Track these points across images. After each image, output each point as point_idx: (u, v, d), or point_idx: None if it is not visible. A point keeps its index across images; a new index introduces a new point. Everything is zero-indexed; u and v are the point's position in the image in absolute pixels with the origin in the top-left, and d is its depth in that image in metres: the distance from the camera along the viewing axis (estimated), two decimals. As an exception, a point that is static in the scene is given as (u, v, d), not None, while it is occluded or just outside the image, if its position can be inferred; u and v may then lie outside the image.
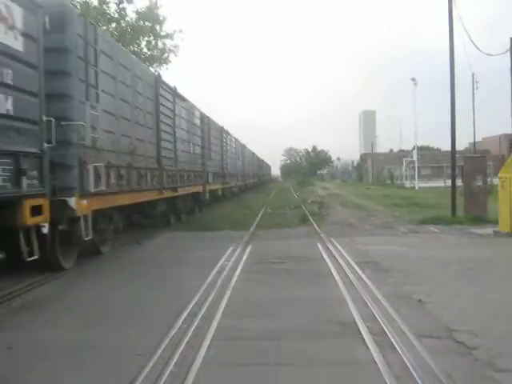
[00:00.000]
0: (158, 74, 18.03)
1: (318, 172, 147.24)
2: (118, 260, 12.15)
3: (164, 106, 17.23)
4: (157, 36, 35.65)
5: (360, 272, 9.75)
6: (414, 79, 52.89)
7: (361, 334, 6.10)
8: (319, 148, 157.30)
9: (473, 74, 47.55)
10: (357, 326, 6.41)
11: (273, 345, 5.83)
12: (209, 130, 27.28)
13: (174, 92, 18.76)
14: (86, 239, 10.09)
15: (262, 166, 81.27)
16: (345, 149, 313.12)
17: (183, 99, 20.63)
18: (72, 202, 9.48)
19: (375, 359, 5.26)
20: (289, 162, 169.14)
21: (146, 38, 35.09)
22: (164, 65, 34.93)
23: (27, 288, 8.93)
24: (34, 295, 8.59)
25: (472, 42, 17.81)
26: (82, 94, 10.18)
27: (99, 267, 11.21)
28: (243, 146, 47.74)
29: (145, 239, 15.32)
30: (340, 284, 8.82)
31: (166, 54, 35.65)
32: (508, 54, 15.82)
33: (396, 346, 5.62)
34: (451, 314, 6.92)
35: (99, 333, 6.45)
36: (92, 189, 10.15)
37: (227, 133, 35.75)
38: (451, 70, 19.07)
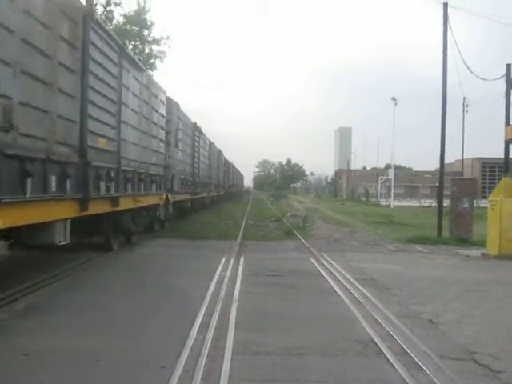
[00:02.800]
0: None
1: (291, 185, 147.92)
2: (115, 268, 11.95)
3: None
4: (144, 41, 35.53)
5: (362, 289, 9.73)
6: (394, 98, 53.35)
7: (383, 353, 6.05)
8: (293, 161, 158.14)
9: (464, 98, 48.43)
10: (376, 344, 6.36)
11: (297, 361, 5.74)
12: (177, 123, 21.30)
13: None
14: None
15: (237, 176, 77.85)
16: (319, 164, 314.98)
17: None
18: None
19: (406, 380, 5.21)
20: (262, 174, 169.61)
21: (133, 43, 34.89)
22: (150, 71, 34.73)
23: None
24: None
25: (467, 66, 18.01)
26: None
27: (97, 276, 11.00)
28: (219, 152, 43.57)
29: (132, 246, 15.09)
30: (346, 301, 8.78)
31: (152, 60, 35.53)
32: (502, 79, 15.99)
33: (422, 366, 5.58)
34: (465, 335, 6.94)
35: (116, 342, 6.26)
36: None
37: (200, 131, 28.72)
38: (443, 92, 19.29)
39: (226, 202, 48.25)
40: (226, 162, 53.58)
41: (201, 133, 28.78)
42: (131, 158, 13.07)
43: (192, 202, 26.50)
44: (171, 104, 20.10)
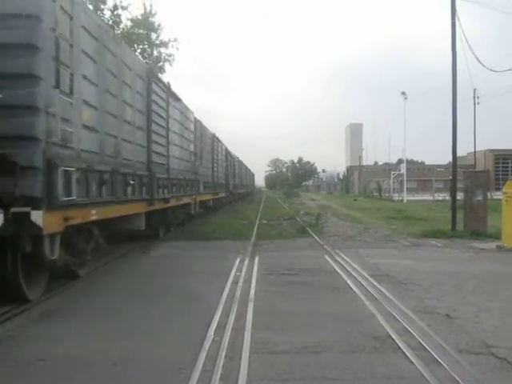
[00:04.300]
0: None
1: (303, 183, 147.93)
2: (130, 271, 12.02)
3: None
4: (152, 44, 35.69)
5: (378, 285, 9.72)
6: (404, 93, 53.13)
7: (400, 348, 6.04)
8: (305, 159, 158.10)
9: (474, 90, 48.25)
10: (393, 340, 6.35)
11: (314, 359, 5.74)
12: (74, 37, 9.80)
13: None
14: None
15: (246, 174, 69.00)
16: (330, 161, 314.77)
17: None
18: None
19: (424, 375, 5.20)
20: (274, 172, 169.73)
21: (141, 46, 35.06)
22: (159, 74, 34.87)
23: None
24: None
25: (476, 57, 17.91)
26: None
27: (113, 279, 11.07)
28: (215, 139, 31.16)
29: (148, 249, 15.16)
30: (362, 297, 8.78)
31: (160, 63, 35.68)
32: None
33: (440, 361, 5.57)
34: (483, 329, 6.90)
35: (133, 345, 6.31)
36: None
37: (167, 88, 16.55)
38: (453, 84, 19.20)
39: (229, 207, 39.79)
40: (229, 154, 41.37)
41: (170, 93, 16.70)
42: None
43: (155, 216, 14.98)
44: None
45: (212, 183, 28.35)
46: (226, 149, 38.83)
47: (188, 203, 20.32)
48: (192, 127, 21.55)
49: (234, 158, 46.01)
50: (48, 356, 5.88)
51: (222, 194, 34.41)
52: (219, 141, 33.25)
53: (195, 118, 22.86)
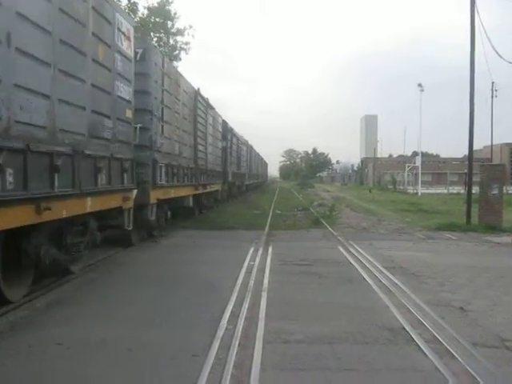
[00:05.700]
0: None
1: (318, 174, 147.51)
2: (142, 259, 12.08)
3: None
4: (168, 33, 35.70)
5: (392, 277, 9.69)
6: (420, 85, 52.77)
7: (414, 340, 6.02)
8: (319, 150, 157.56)
9: (492, 83, 47.81)
10: (407, 332, 6.33)
11: (327, 349, 5.74)
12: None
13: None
14: None
15: (257, 162, 60.63)
16: (344, 152, 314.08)
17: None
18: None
19: (438, 367, 5.18)
20: (288, 163, 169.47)
21: (157, 35, 35.08)
22: (174, 62, 34.88)
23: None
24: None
25: (494, 49, 17.72)
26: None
27: (125, 268, 11.14)
28: (199, 98, 19.44)
29: (159, 237, 15.22)
30: (376, 289, 8.76)
31: (176, 52, 35.68)
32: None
33: (454, 353, 5.54)
34: (497, 322, 6.87)
35: (147, 332, 6.34)
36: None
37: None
38: (471, 76, 19.02)
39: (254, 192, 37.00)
40: (230, 132, 30.94)
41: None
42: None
43: None
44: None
45: (194, 169, 18.21)
46: (225, 123, 28.68)
47: (114, 210, 10.00)
48: (127, 48, 10.58)
49: (238, 139, 35.27)
50: (65, 341, 5.93)
51: (216, 187, 24.26)
52: (210, 106, 22.22)
53: (144, 43, 14.02)
